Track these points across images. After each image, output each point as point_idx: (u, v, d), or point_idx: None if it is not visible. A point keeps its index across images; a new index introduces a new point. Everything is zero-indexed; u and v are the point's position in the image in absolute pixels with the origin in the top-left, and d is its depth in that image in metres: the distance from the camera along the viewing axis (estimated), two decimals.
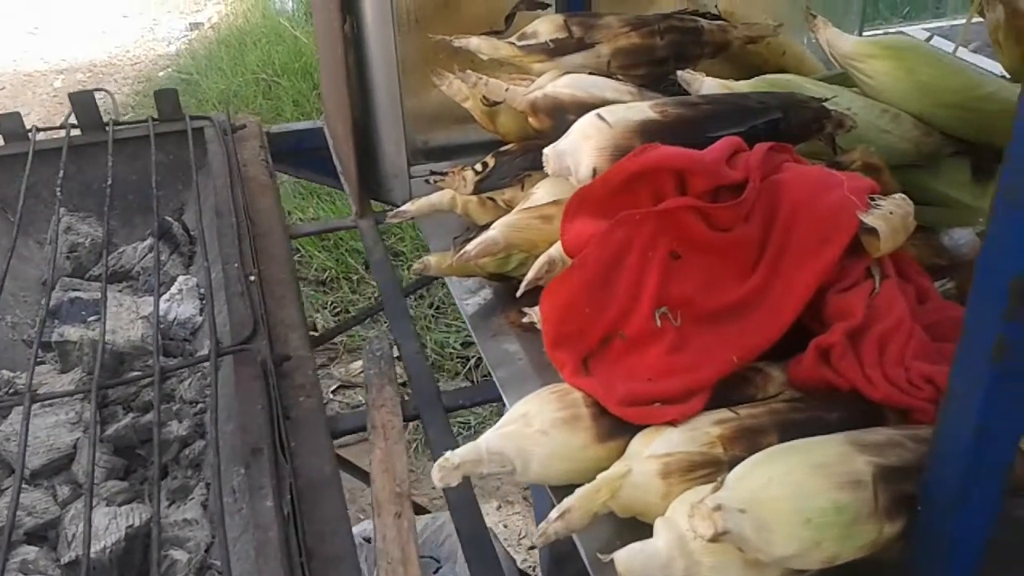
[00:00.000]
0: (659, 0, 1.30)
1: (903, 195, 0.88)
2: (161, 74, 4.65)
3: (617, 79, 1.08)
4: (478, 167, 1.08)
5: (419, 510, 1.45)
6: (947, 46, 1.69)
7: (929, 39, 1.50)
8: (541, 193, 0.99)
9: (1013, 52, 1.33)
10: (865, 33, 1.66)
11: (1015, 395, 0.56)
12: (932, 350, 0.84)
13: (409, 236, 3.04)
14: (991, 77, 1.13)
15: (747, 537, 0.61)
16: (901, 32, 1.72)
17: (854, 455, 0.65)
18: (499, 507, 2.34)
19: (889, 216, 0.84)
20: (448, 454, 0.75)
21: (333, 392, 2.72)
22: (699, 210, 0.84)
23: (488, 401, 0.99)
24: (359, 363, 2.62)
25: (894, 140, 1.12)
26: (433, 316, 2.80)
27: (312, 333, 2.76)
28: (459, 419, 2.30)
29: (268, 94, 4.01)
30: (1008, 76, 1.39)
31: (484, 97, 1.04)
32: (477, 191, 1.07)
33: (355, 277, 3.02)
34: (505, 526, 2.30)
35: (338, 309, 2.95)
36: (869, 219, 0.83)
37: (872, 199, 0.86)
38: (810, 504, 0.62)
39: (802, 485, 0.62)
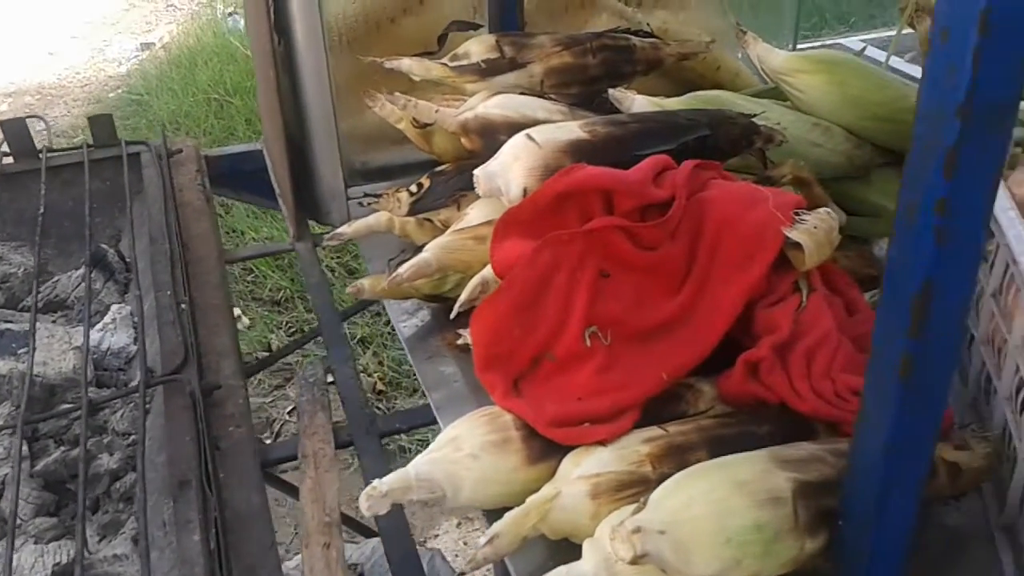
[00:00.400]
0: (594, 19, 1.30)
1: (828, 209, 0.89)
2: (111, 95, 4.58)
3: (550, 98, 1.08)
4: (413, 188, 1.07)
5: (370, 532, 1.43)
6: (883, 57, 1.72)
7: (862, 51, 1.52)
8: (475, 214, 0.99)
9: None
10: (802, 44, 1.69)
11: (922, 411, 0.56)
12: (859, 361, 0.85)
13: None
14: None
15: (667, 559, 0.61)
16: (837, 44, 1.74)
17: (775, 472, 0.65)
18: (459, 524, 2.32)
19: (813, 231, 0.85)
20: (376, 482, 0.74)
21: (289, 413, 2.69)
22: (625, 229, 0.84)
23: (425, 425, 0.98)
24: None
25: (825, 153, 1.14)
26: (389, 334, 2.79)
27: (264, 353, 2.73)
28: (418, 439, 2.29)
29: (220, 114, 3.97)
30: None
31: (414, 119, 1.04)
32: (412, 212, 1.07)
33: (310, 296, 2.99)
34: (465, 543, 2.29)
35: (293, 329, 2.93)
36: (794, 234, 0.84)
37: (797, 214, 0.87)
38: (730, 523, 0.62)
39: (722, 504, 0.63)
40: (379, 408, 2.44)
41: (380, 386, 2.28)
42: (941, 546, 0.79)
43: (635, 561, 0.60)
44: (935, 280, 0.52)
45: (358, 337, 2.73)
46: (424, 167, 1.14)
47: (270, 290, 3.06)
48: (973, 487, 0.79)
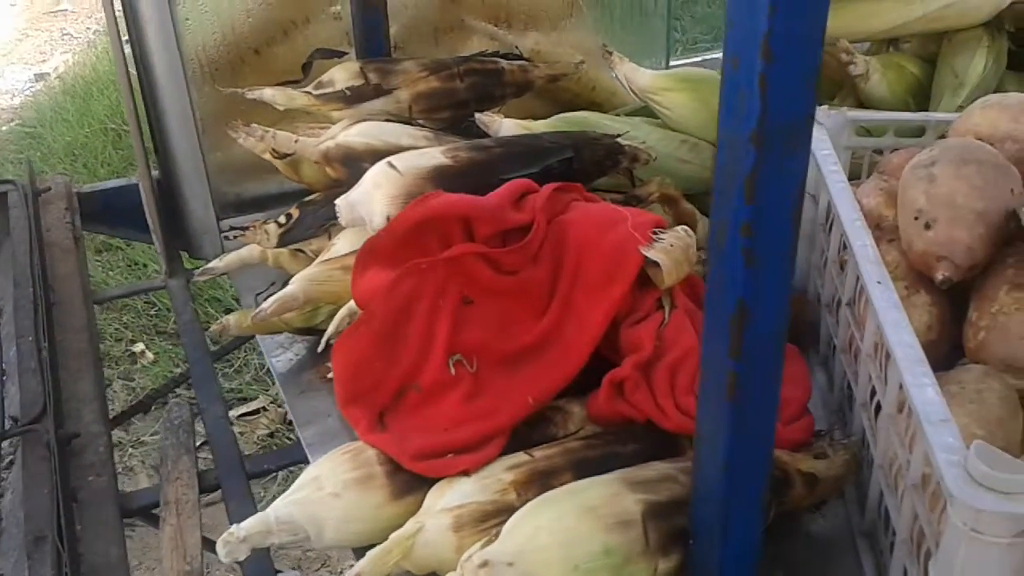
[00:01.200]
0: (465, 42, 1.30)
1: (685, 227, 0.90)
2: (4, 128, 4.42)
3: (418, 124, 1.08)
4: (282, 219, 1.05)
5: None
6: None
7: None
8: (342, 244, 0.98)
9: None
10: (680, 61, 1.73)
11: (753, 428, 0.57)
12: None
13: None
14: None
15: None
16: (702, 60, 1.78)
17: (624, 494, 0.65)
18: None
19: (670, 248, 0.86)
20: (233, 527, 0.72)
21: None
22: (484, 255, 0.84)
23: (296, 463, 0.96)
24: None
25: (695, 169, 1.16)
26: None
27: None
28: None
29: (119, 144, 3.86)
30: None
31: (274, 150, 1.02)
32: (282, 243, 1.05)
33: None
34: None
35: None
36: (651, 253, 0.85)
37: (655, 233, 0.88)
38: (578, 550, 0.62)
39: (570, 532, 0.62)
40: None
41: (272, 426, 2.23)
42: (806, 555, 0.81)
43: None
44: (748, 301, 0.52)
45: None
46: (301, 196, 1.12)
47: (174, 323, 2.98)
48: (833, 495, 0.80)
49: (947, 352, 0.81)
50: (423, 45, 1.28)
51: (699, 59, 1.75)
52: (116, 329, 2.90)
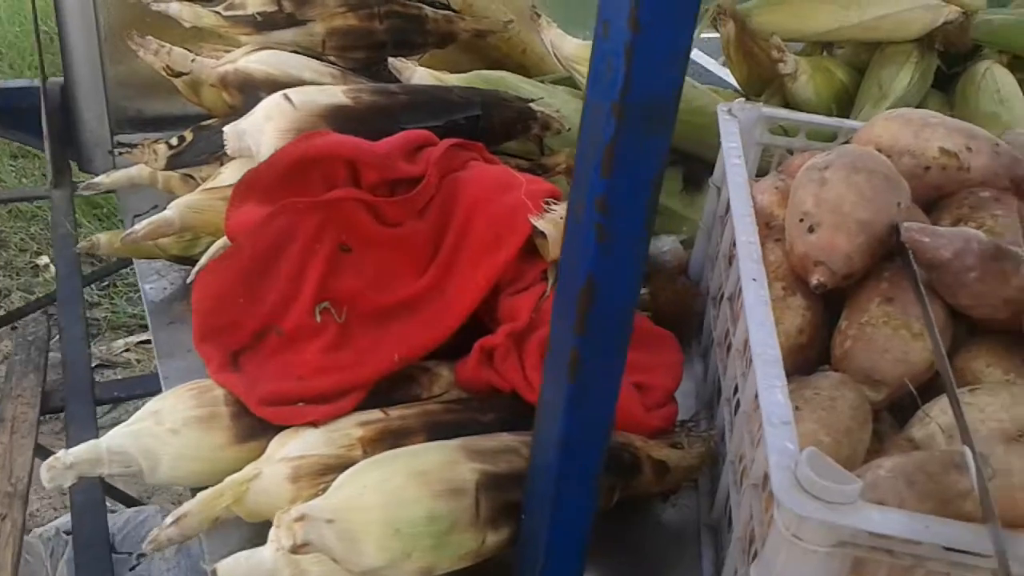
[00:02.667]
0: None
1: None
2: None
3: (327, 60, 1.04)
4: (174, 141, 1.01)
5: (131, 502, 1.36)
6: (699, 57, 1.75)
7: None
8: (228, 173, 0.93)
9: (742, 68, 1.39)
10: None
11: (591, 407, 0.56)
12: None
13: None
14: (701, 90, 1.17)
15: (333, 548, 0.58)
16: None
17: (461, 462, 0.64)
18: None
19: (560, 220, 0.84)
20: (60, 453, 0.69)
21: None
22: (366, 203, 0.81)
23: (150, 394, 0.93)
24: (121, 341, 2.46)
25: None
26: None
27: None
28: None
29: (50, 47, 3.69)
30: (742, 90, 1.46)
31: (168, 67, 0.97)
32: (171, 167, 1.00)
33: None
34: None
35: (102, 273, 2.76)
36: (540, 223, 0.83)
37: (548, 203, 0.86)
38: (401, 514, 0.60)
39: (396, 493, 0.61)
40: None
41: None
42: (652, 542, 0.80)
43: (296, 550, 0.57)
44: (597, 277, 0.51)
45: None
46: (204, 120, 1.07)
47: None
48: (681, 484, 0.80)
49: (816, 357, 0.81)
50: None
51: None
52: (21, 239, 2.79)
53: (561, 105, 1.10)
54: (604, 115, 0.47)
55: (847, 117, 1.31)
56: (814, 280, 0.76)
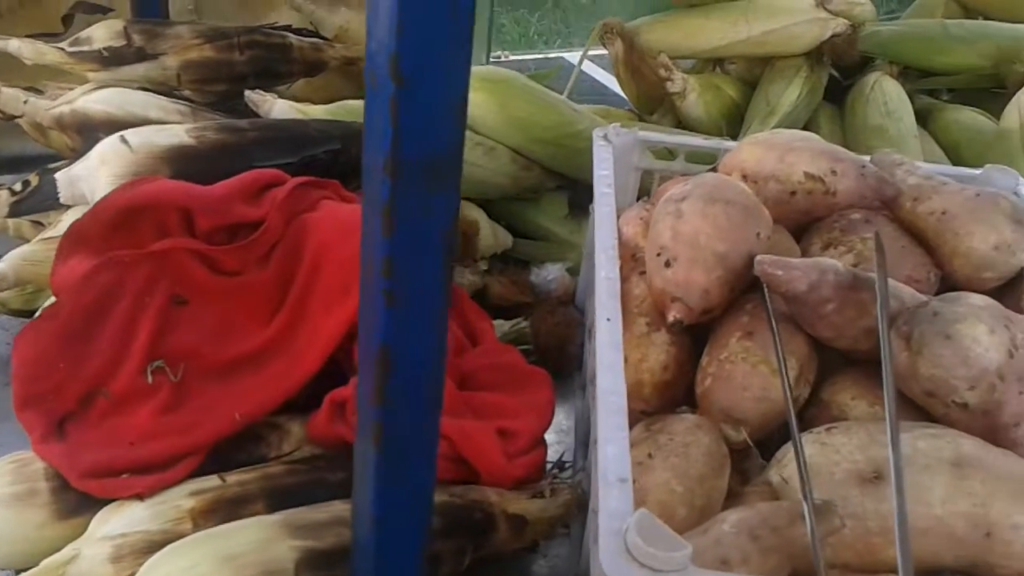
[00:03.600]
0: (271, 14, 1.21)
1: None
2: None
3: (182, 96, 0.98)
4: (18, 186, 0.95)
5: None
6: (597, 74, 1.73)
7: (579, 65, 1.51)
8: (67, 222, 0.88)
9: (631, 87, 1.37)
10: (515, 57, 1.68)
11: (402, 482, 0.52)
12: (458, 401, 0.82)
13: None
14: (582, 114, 1.14)
15: None
16: (561, 58, 1.74)
17: (280, 540, 0.59)
18: None
19: None
20: None
21: None
22: (200, 252, 0.76)
23: None
24: None
25: (488, 174, 1.10)
26: None
27: None
28: None
29: None
30: (635, 109, 1.44)
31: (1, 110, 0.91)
32: (14, 214, 0.94)
33: None
34: None
35: None
36: None
37: None
38: None
39: None
40: None
41: None
42: None
43: None
44: (392, 345, 0.47)
45: None
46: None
47: None
48: (545, 536, 0.76)
49: (684, 393, 0.78)
50: (227, 14, 1.18)
51: (554, 55, 1.70)
52: None
53: None
54: (378, 173, 0.43)
55: (737, 134, 1.30)
56: (670, 317, 0.73)
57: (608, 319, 0.72)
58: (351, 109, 1.04)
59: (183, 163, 0.84)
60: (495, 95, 1.09)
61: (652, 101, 1.37)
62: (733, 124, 1.33)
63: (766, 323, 0.73)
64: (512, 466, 0.77)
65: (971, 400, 0.67)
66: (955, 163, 1.30)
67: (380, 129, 0.42)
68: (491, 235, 1.10)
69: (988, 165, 1.00)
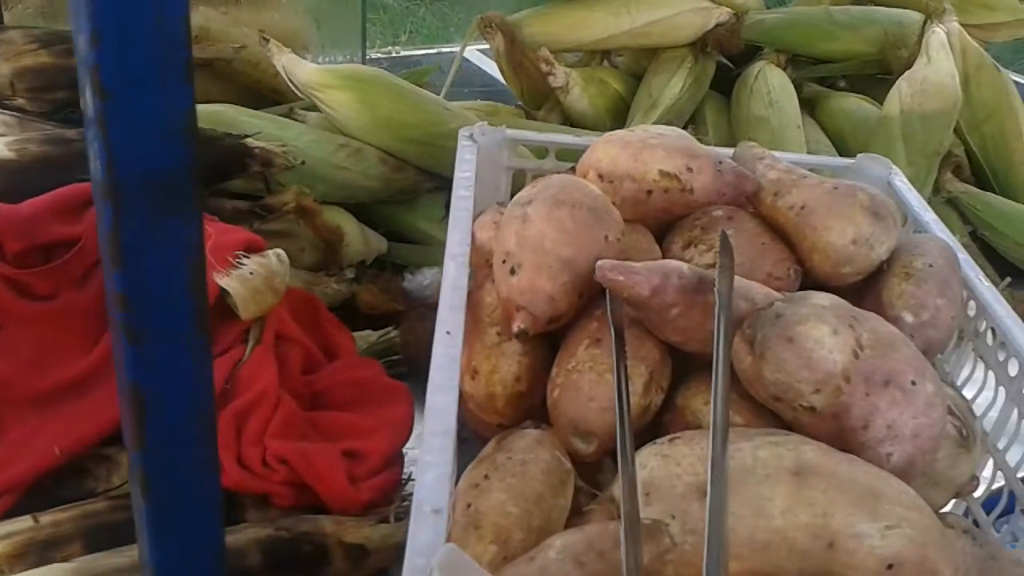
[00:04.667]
0: None
1: (279, 251, 0.80)
2: None
3: (14, 105, 0.92)
4: None
5: None
6: (489, 67, 1.69)
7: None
8: None
9: (515, 82, 1.33)
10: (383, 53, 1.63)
11: (176, 532, 0.47)
12: (302, 422, 0.77)
13: None
14: (455, 112, 1.10)
15: None
16: (442, 53, 1.70)
17: None
18: None
19: (249, 277, 0.76)
20: None
21: None
22: (7, 276, 0.71)
23: None
24: None
25: (355, 177, 1.06)
26: None
27: None
28: None
29: None
30: (523, 104, 1.40)
31: None
32: None
33: None
34: None
35: None
36: (223, 281, 0.75)
37: (239, 256, 0.77)
38: None
39: None
40: None
41: None
42: None
43: None
44: (143, 386, 0.42)
45: None
46: None
47: None
48: (392, 564, 0.72)
49: (539, 405, 0.75)
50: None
51: (434, 51, 1.66)
52: None
53: (295, 137, 1.02)
54: (100, 198, 0.38)
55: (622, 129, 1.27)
56: (515, 327, 0.70)
57: (448, 332, 0.68)
58: (201, 115, 0.98)
59: (3, 178, 0.78)
60: (360, 94, 1.05)
61: (538, 96, 1.34)
62: (619, 118, 1.31)
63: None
64: (358, 490, 0.73)
65: (818, 403, 0.64)
66: (840, 151, 1.30)
67: (94, 149, 0.38)
68: (361, 241, 1.06)
69: (861, 154, 0.99)
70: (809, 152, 1.25)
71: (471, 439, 0.77)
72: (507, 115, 1.35)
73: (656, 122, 1.23)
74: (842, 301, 0.68)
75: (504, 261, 0.72)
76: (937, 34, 1.29)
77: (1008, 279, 1.13)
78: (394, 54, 1.66)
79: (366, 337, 0.95)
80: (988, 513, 0.78)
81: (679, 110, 1.27)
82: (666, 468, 0.62)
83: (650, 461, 0.62)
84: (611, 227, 0.74)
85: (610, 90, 1.32)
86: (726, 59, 1.45)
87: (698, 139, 1.26)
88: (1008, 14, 1.48)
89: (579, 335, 0.72)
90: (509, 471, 0.63)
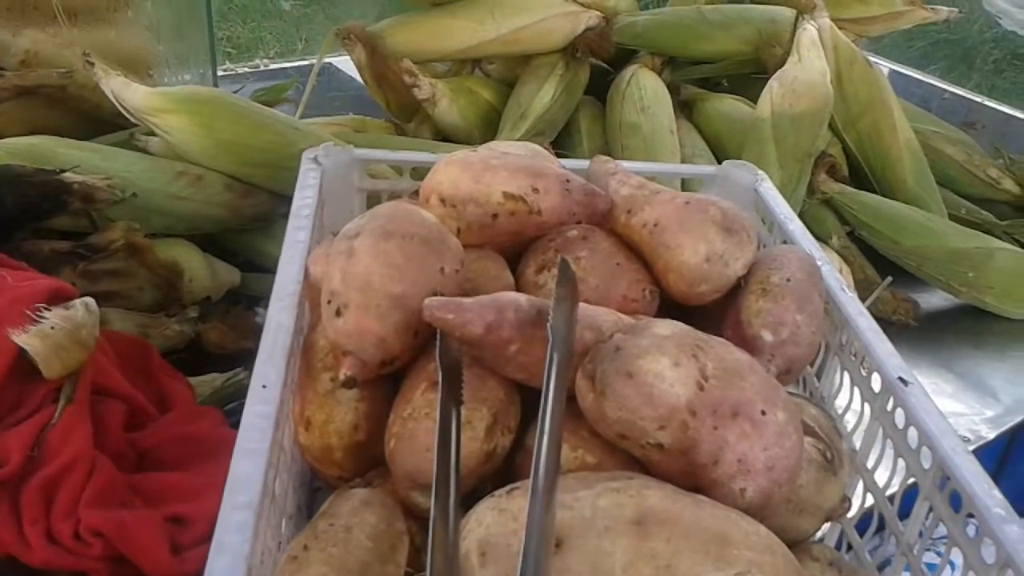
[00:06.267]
0: None
1: (88, 300, 0.72)
2: None
3: None
4: None
5: None
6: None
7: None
8: None
9: (381, 95, 1.27)
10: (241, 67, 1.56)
11: None
12: (122, 487, 0.70)
13: None
14: (304, 131, 1.04)
15: None
16: (327, 64, 1.63)
17: None
18: None
19: (50, 332, 0.68)
20: None
21: None
22: None
23: None
24: None
25: (197, 206, 0.99)
26: None
27: None
28: None
29: None
30: (393, 118, 1.34)
31: None
32: None
33: None
34: None
35: None
36: (20, 339, 0.67)
37: (40, 309, 0.70)
38: None
39: None
40: None
41: None
42: None
43: None
44: None
45: None
46: None
47: None
48: None
49: (382, 456, 0.69)
50: None
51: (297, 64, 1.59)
52: None
53: (124, 167, 0.94)
54: None
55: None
56: (341, 374, 0.64)
57: (264, 386, 0.62)
58: (11, 148, 0.90)
59: None
60: (198, 117, 0.97)
61: (407, 109, 1.28)
62: (491, 129, 1.26)
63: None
64: (182, 561, 0.67)
65: (665, 440, 0.60)
66: (718, 154, 1.28)
67: None
68: (208, 275, 0.98)
69: (727, 161, 0.96)
70: (684, 157, 1.22)
71: (326, 490, 0.71)
72: (376, 129, 1.29)
73: (527, 132, 1.19)
74: (687, 328, 0.64)
75: (329, 302, 0.66)
76: (808, 31, 1.27)
77: (889, 278, 1.12)
78: (263, 67, 1.58)
79: (210, 382, 0.88)
80: (863, 534, 0.75)
81: (551, 119, 1.23)
82: (503, 524, 0.57)
83: (486, 517, 0.57)
84: (448, 258, 0.69)
85: (481, 100, 1.27)
86: (606, 64, 1.42)
87: (572, 149, 1.23)
88: (881, 7, 1.48)
89: (416, 378, 0.66)
90: (331, 539, 0.57)
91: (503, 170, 0.76)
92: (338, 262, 0.67)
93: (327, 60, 1.67)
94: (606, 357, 0.61)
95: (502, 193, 0.75)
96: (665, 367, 0.59)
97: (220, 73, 1.61)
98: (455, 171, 0.76)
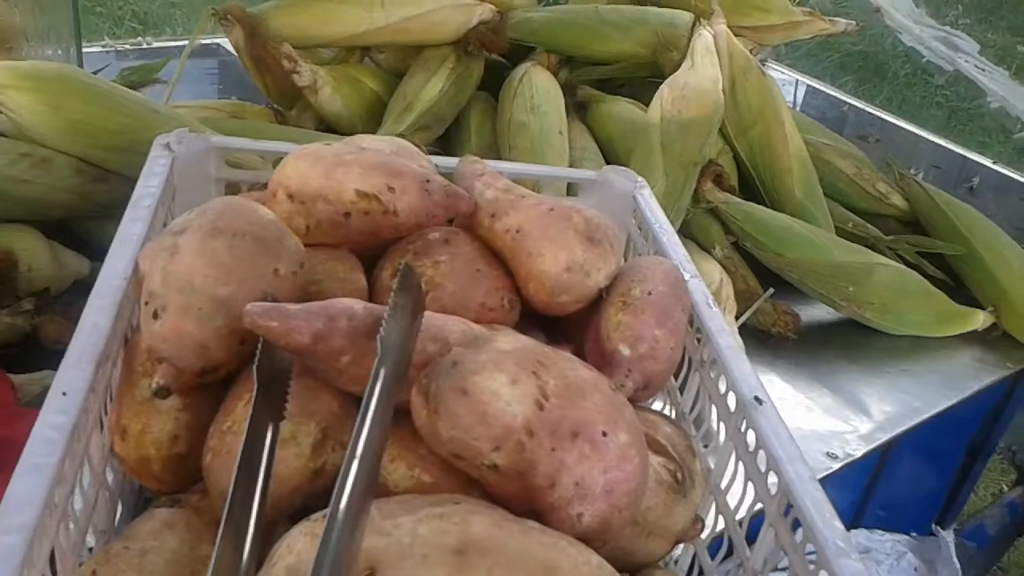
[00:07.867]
0: None
1: None
2: None
3: None
4: None
5: None
6: None
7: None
8: None
9: (260, 80, 1.21)
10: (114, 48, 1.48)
11: None
12: None
13: None
14: (165, 115, 0.97)
15: None
16: (213, 44, 1.55)
17: None
18: None
19: None
20: None
21: None
22: None
23: None
24: None
25: (43, 190, 0.92)
26: None
27: None
28: None
29: None
30: (275, 105, 1.28)
31: None
32: None
33: None
34: None
35: None
36: None
37: None
38: None
39: None
40: None
41: None
42: None
43: None
44: None
45: None
46: None
47: None
48: None
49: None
50: None
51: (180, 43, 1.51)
52: None
53: None
54: None
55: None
56: (154, 383, 0.59)
57: (64, 393, 0.56)
58: None
59: None
60: (46, 95, 0.90)
61: (287, 96, 1.23)
62: (376, 120, 1.21)
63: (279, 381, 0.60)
64: None
65: (500, 462, 0.57)
66: (608, 158, 1.25)
67: None
68: (52, 264, 0.91)
69: (607, 166, 0.93)
70: (574, 160, 1.19)
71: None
72: (255, 116, 1.23)
73: (411, 125, 1.14)
74: (531, 343, 0.60)
75: (147, 303, 0.61)
76: (703, 37, 1.26)
77: (771, 290, 1.11)
78: (145, 45, 1.49)
79: (40, 380, 0.81)
80: (714, 557, 0.73)
81: (437, 113, 1.18)
82: (315, 551, 0.53)
83: (298, 543, 0.53)
84: (284, 259, 0.64)
85: (366, 90, 1.22)
86: (505, 59, 1.38)
87: (461, 146, 1.19)
88: (781, 16, 1.48)
89: (240, 388, 0.61)
90: (123, 564, 0.52)
91: (356, 166, 0.71)
92: (160, 260, 0.62)
93: (209, 42, 1.60)
94: (442, 372, 0.57)
95: (355, 191, 0.71)
96: (502, 384, 0.56)
97: (103, 50, 1.53)
98: (304, 165, 0.72)
